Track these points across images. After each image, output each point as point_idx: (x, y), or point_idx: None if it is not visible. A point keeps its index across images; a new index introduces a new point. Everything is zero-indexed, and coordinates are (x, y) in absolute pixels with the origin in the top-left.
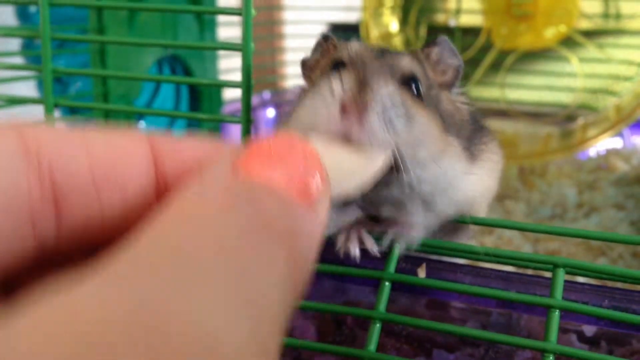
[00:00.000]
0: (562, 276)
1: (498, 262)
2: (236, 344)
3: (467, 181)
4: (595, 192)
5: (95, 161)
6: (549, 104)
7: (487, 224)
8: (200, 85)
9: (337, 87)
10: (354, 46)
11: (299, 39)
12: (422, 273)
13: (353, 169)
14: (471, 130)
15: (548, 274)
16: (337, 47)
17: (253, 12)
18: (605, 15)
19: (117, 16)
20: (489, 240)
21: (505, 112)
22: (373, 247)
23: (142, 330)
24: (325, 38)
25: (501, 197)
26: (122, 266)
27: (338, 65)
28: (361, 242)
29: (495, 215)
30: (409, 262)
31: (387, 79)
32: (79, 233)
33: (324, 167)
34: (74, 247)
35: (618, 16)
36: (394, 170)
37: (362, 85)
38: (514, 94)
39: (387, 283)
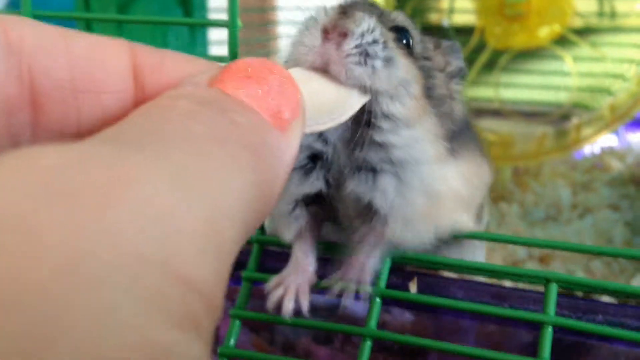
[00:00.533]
0: (555, 291)
1: (490, 277)
2: (190, 222)
3: (439, 171)
4: (589, 193)
5: (75, 64)
6: (544, 103)
7: (477, 238)
8: None
9: (321, 16)
10: None
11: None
12: (413, 287)
13: (330, 104)
14: (458, 127)
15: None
16: None
17: (239, 24)
18: (600, 14)
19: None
20: (482, 243)
21: (499, 112)
22: (305, 308)
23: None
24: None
25: (495, 199)
26: (77, 147)
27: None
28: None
29: (489, 218)
30: (400, 276)
31: (372, 16)
32: (54, 139)
33: (300, 94)
34: None
35: (613, 14)
36: (364, 128)
37: (346, 15)
38: (508, 94)
39: (377, 299)
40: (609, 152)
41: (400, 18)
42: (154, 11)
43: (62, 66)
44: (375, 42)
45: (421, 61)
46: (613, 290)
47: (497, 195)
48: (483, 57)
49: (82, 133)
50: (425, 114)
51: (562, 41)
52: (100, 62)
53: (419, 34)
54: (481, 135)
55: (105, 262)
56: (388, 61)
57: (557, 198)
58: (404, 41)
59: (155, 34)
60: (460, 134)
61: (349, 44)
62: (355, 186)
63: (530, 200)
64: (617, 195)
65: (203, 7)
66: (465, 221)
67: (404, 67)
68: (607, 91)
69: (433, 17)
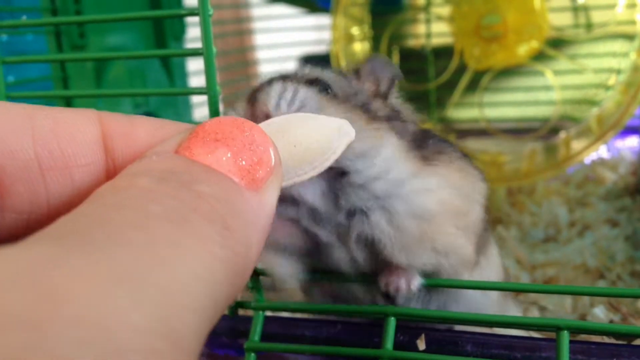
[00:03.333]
0: (567, 339)
1: (500, 327)
2: (134, 333)
3: (422, 182)
4: (586, 209)
5: (42, 142)
6: (530, 119)
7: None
8: None
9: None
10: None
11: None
12: (421, 345)
13: (310, 153)
14: (419, 135)
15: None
16: None
17: (214, 50)
18: (576, 26)
19: (83, 71)
20: None
21: (486, 132)
22: None
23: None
24: None
25: (492, 222)
26: (28, 243)
27: None
28: None
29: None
30: (407, 333)
31: (281, 81)
32: (23, 218)
33: (274, 150)
34: (20, 234)
35: (589, 25)
36: (338, 177)
37: (256, 97)
38: (493, 113)
39: None
40: (600, 162)
41: (310, 73)
42: (132, 63)
43: (27, 146)
44: (295, 93)
45: (351, 99)
46: (625, 333)
47: (493, 218)
48: (465, 79)
49: (52, 211)
50: (383, 136)
51: (541, 56)
52: (68, 136)
53: (335, 76)
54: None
55: None
56: (319, 100)
57: (554, 217)
58: (325, 90)
59: (134, 84)
60: (427, 141)
61: (272, 102)
62: (358, 230)
63: (527, 222)
64: (613, 209)
65: (183, 73)
66: (463, 244)
67: (336, 112)
68: (592, 102)
69: (411, 42)
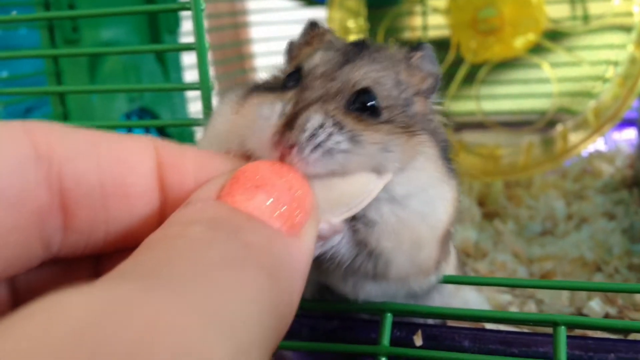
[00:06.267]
0: (564, 335)
1: (496, 323)
2: (212, 356)
3: (439, 193)
4: (583, 202)
5: (105, 169)
6: (527, 112)
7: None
8: (167, 126)
9: (274, 112)
10: (316, 58)
11: (268, 71)
12: (418, 340)
13: (347, 195)
14: (445, 144)
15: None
16: (320, 41)
17: (207, 44)
18: (573, 18)
19: (77, 65)
20: (481, 266)
21: (483, 125)
22: None
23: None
24: (311, 25)
25: (490, 216)
26: (106, 286)
27: (297, 73)
28: None
29: (485, 237)
30: (404, 329)
31: (325, 106)
32: (83, 240)
33: (312, 196)
34: (78, 254)
35: (586, 18)
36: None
37: (294, 118)
38: (490, 106)
39: (383, 358)
40: (597, 155)
41: (361, 75)
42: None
43: (91, 172)
44: (328, 136)
45: (394, 108)
46: (622, 328)
47: (490, 211)
48: (461, 72)
49: (109, 235)
50: (419, 151)
51: (538, 49)
52: (129, 165)
53: (384, 74)
54: (465, 150)
55: None
56: (352, 141)
57: (552, 210)
58: (369, 103)
59: (129, 80)
60: (448, 152)
61: (303, 152)
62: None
63: (524, 215)
64: (610, 202)
65: (178, 67)
66: (434, 253)
67: (369, 140)
68: (589, 94)
69: (407, 35)
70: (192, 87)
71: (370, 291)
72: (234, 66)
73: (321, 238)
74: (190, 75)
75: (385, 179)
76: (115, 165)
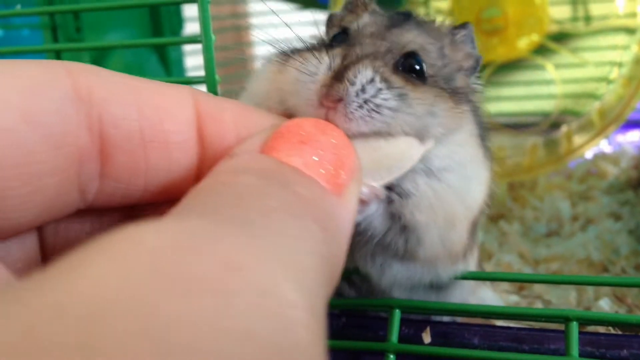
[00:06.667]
0: (575, 330)
1: (507, 319)
2: (287, 298)
3: (475, 171)
4: (588, 203)
5: (144, 115)
6: (531, 114)
7: (482, 278)
8: None
9: (321, 70)
10: (365, 18)
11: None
12: (427, 338)
13: (388, 159)
14: (483, 124)
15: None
16: (365, 7)
17: (213, 37)
18: (575, 19)
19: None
20: (487, 267)
21: (487, 126)
22: None
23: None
24: None
25: (495, 217)
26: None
27: (343, 34)
28: None
29: (491, 238)
30: (412, 326)
31: (376, 62)
32: (120, 189)
33: (355, 155)
34: (113, 204)
35: (588, 18)
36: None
37: (341, 72)
38: (494, 107)
39: (391, 356)
40: (601, 157)
41: (409, 38)
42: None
43: (131, 117)
44: (377, 92)
45: (442, 76)
46: (635, 323)
47: (496, 213)
48: None
49: (148, 184)
50: (462, 120)
51: (542, 50)
52: (169, 112)
53: (431, 42)
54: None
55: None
56: (401, 98)
57: (557, 211)
58: (417, 66)
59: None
60: (487, 133)
61: (350, 106)
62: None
63: (530, 216)
64: (616, 202)
65: (181, 68)
66: (465, 234)
67: (417, 100)
68: (594, 95)
69: None
70: (197, 80)
71: (396, 273)
72: (236, 68)
73: (361, 202)
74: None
75: (427, 145)
76: (155, 111)
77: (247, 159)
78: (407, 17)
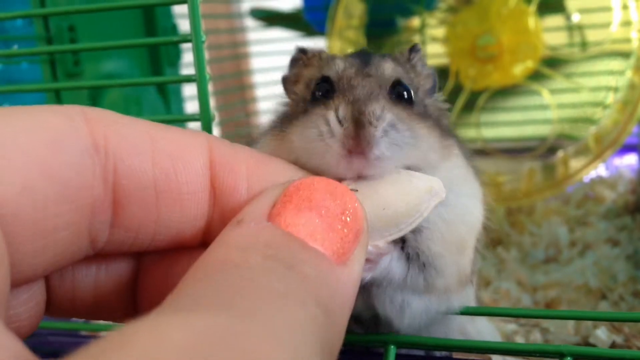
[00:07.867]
0: None
1: (503, 354)
2: None
3: (476, 186)
4: (586, 228)
5: (159, 164)
6: (527, 139)
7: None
8: None
9: (335, 125)
10: (338, 63)
11: (268, 100)
12: None
13: (397, 215)
14: (461, 143)
15: None
16: (320, 59)
17: (207, 75)
18: (571, 45)
19: (79, 98)
20: (485, 295)
21: (483, 152)
22: None
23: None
24: (302, 51)
25: (493, 243)
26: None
27: (324, 83)
28: None
29: (489, 265)
30: None
31: (380, 100)
32: (130, 238)
33: (364, 220)
34: (122, 251)
35: (584, 44)
36: None
37: (359, 119)
38: (490, 133)
39: None
40: (599, 181)
41: (389, 68)
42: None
43: (146, 167)
44: (398, 130)
45: (420, 102)
46: (630, 358)
47: (493, 239)
48: (461, 99)
49: (157, 233)
50: (447, 144)
51: (537, 76)
52: (184, 162)
53: (404, 71)
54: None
55: None
56: (412, 135)
57: (555, 237)
58: (405, 92)
59: (130, 109)
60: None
61: (379, 149)
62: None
63: (527, 242)
64: (614, 228)
65: (179, 98)
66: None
67: (425, 133)
68: (589, 120)
69: None
70: (192, 118)
71: (415, 310)
72: (235, 97)
73: (367, 262)
74: (192, 106)
75: (437, 199)
76: (169, 161)
77: (253, 230)
78: (369, 54)
